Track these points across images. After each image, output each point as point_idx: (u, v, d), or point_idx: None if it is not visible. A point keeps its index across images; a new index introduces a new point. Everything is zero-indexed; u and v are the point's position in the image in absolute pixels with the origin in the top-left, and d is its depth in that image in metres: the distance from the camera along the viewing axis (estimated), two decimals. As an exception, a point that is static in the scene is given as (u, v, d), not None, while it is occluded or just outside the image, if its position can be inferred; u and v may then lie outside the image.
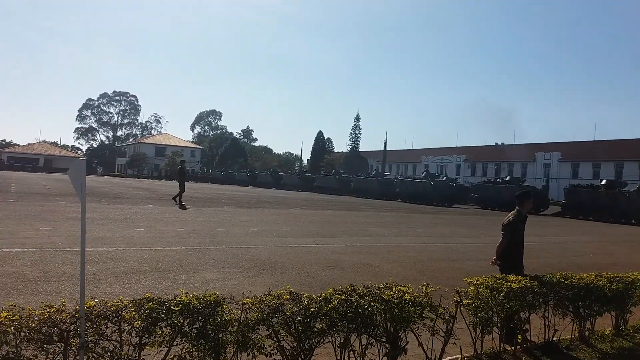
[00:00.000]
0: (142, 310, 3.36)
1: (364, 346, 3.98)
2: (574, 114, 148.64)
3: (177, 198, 22.05)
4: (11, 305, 3.19)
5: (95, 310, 3.27)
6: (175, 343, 3.43)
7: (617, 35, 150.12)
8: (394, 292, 4.16)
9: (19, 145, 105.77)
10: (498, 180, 44.19)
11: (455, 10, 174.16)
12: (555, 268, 10.48)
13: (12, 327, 2.95)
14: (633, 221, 31.47)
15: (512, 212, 6.10)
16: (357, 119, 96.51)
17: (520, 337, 5.20)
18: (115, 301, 3.41)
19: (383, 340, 4.05)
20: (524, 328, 5.22)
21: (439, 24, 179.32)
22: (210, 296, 3.60)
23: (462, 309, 4.67)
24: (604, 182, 35.51)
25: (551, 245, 15.62)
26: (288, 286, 4.18)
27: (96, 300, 3.42)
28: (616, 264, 12.18)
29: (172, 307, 3.41)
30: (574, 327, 5.65)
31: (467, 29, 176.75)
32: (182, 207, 20.62)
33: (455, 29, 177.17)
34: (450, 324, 4.39)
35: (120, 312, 3.31)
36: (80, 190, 3.40)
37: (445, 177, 48.10)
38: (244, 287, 6.87)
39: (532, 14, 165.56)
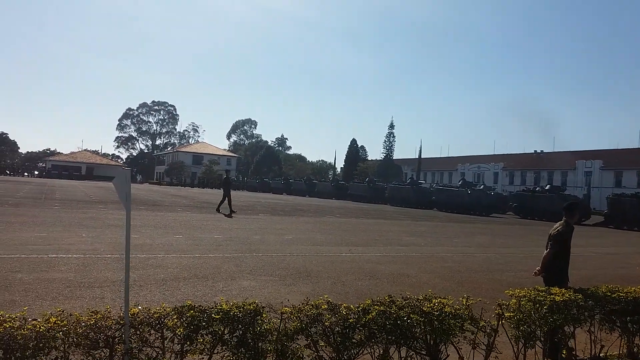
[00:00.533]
0: (184, 318, 3.41)
1: (403, 358, 3.93)
2: (616, 120, 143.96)
3: (224, 206, 22.48)
4: (59, 310, 3.29)
5: (138, 317, 3.34)
6: (216, 351, 3.47)
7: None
8: (434, 304, 4.10)
9: (62, 153, 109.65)
10: (537, 189, 43.11)
11: (488, 15, 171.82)
12: (599, 280, 10.11)
13: (60, 333, 3.04)
14: (681, 232, 30.19)
15: (559, 223, 5.93)
16: (391, 126, 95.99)
17: (564, 353, 5.04)
18: (157, 308, 3.48)
19: (423, 352, 3.99)
20: (569, 343, 5.06)
21: (474, 29, 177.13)
22: (250, 305, 3.63)
23: (503, 322, 4.56)
24: (649, 191, 34.21)
25: (594, 256, 15.11)
26: (326, 296, 4.17)
27: (139, 307, 3.50)
28: (665, 277, 11.68)
29: (213, 315, 3.46)
30: (622, 343, 5.44)
31: (501, 33, 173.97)
32: (229, 215, 20.95)
33: (490, 33, 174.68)
34: (492, 337, 4.30)
35: (162, 320, 3.37)
36: (125, 199, 3.49)
37: (482, 186, 47.24)
38: (280, 295, 6.90)
39: (570, 18, 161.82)
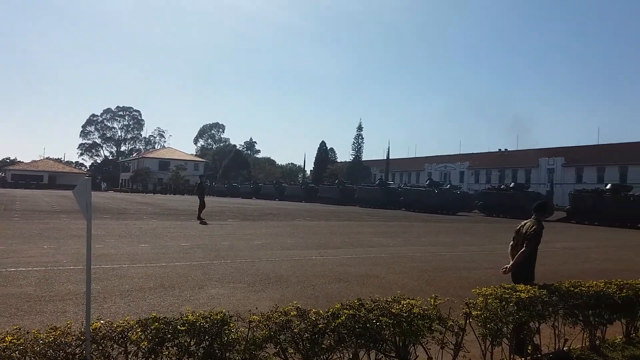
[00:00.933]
0: (149, 331, 3.32)
1: (373, 361, 3.93)
2: (577, 118, 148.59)
3: (198, 214, 22.17)
4: (16, 328, 3.16)
5: (101, 332, 3.24)
6: (182, 363, 3.39)
7: (619, 38, 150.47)
8: (403, 306, 4.12)
9: (23, 162, 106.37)
10: (502, 187, 44.07)
11: (454, 17, 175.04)
12: (562, 275, 10.39)
13: (17, 352, 2.92)
14: (639, 225, 31.30)
15: (530, 221, 6.02)
16: (360, 128, 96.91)
17: (530, 348, 5.13)
18: (121, 322, 3.38)
19: (392, 355, 4.00)
20: (534, 339, 5.16)
21: (439, 32, 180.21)
22: (216, 314, 3.57)
23: (471, 320, 4.61)
24: (609, 186, 35.36)
25: (557, 251, 15.51)
26: (295, 302, 4.14)
27: (102, 321, 3.39)
28: (624, 269, 12.07)
29: (178, 326, 3.38)
30: (585, 336, 5.58)
31: (465, 35, 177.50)
32: (203, 222, 20.57)
33: (452, 35, 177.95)
34: (460, 337, 4.34)
35: (126, 333, 3.28)
36: (86, 209, 3.38)
37: (449, 185, 48.05)
38: (249, 303, 6.83)
39: (530, 17, 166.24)
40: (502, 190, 42.01)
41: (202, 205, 22.43)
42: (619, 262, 13.71)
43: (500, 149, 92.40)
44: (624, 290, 5.69)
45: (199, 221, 21.12)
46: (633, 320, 5.96)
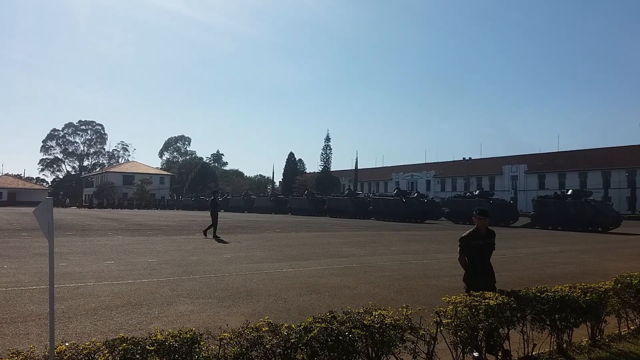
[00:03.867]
0: (116, 352, 3.23)
1: (346, 374, 3.91)
2: (536, 126, 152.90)
3: (211, 230, 21.11)
4: (-25, 355, 3.03)
5: (66, 355, 3.13)
6: (151, 384, 3.30)
7: (578, 46, 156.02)
8: (374, 317, 4.12)
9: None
10: (468, 194, 44.87)
11: (416, 30, 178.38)
12: (528, 280, 10.62)
13: (-24, 380, 2.79)
14: (599, 229, 32.31)
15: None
16: (328, 139, 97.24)
17: (500, 354, 5.20)
18: (87, 344, 3.28)
19: (365, 366, 3.99)
20: (503, 345, 5.23)
21: (402, 44, 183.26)
22: (186, 332, 3.50)
23: (442, 329, 4.66)
24: (570, 192, 36.43)
25: (523, 257, 15.84)
26: (267, 317, 4.10)
27: (67, 343, 3.28)
28: (587, 272, 12.42)
29: (147, 346, 3.30)
30: (552, 340, 5.70)
31: (426, 45, 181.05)
32: (220, 240, 19.65)
33: (414, 45, 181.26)
34: (432, 345, 4.37)
35: (92, 356, 3.18)
36: (47, 230, 3.28)
37: (416, 194, 48.61)
38: (220, 319, 6.72)
39: (489, 27, 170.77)
40: (467, 197, 42.76)
41: (215, 222, 21.31)
42: (582, 265, 14.09)
43: (464, 158, 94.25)
44: (588, 294, 5.85)
45: (210, 237, 20.39)
46: (598, 323, 6.12)
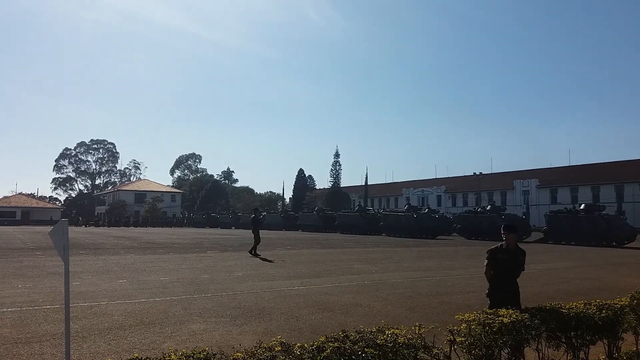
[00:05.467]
0: (131, 373, 3.25)
1: (359, 394, 3.89)
2: (548, 140, 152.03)
3: (253, 250, 21.14)
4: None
5: (81, 376, 3.15)
6: (166, 405, 3.31)
7: (587, 60, 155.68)
8: (387, 336, 4.10)
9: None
10: (479, 209, 44.56)
11: (426, 45, 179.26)
12: (543, 296, 10.50)
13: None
14: (614, 243, 31.90)
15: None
16: (337, 155, 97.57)
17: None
18: (102, 364, 3.30)
19: (379, 386, 3.96)
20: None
21: (413, 61, 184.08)
22: (200, 352, 3.51)
23: (455, 347, 4.62)
24: (582, 206, 36.07)
25: (537, 272, 15.67)
26: (279, 336, 4.09)
27: (82, 364, 3.31)
28: (602, 288, 12.25)
29: (162, 367, 3.31)
30: (569, 358, 5.62)
31: (433, 63, 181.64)
32: (261, 257, 19.76)
33: (423, 62, 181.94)
34: (446, 365, 4.33)
35: (107, 376, 3.20)
36: (63, 251, 3.33)
37: (427, 209, 48.41)
38: (232, 337, 6.72)
39: (500, 41, 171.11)
40: (479, 213, 42.47)
41: (257, 240, 21.38)
42: (598, 281, 13.91)
43: (475, 173, 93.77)
44: (604, 311, 5.77)
45: (252, 255, 20.48)
46: (615, 340, 6.02)
